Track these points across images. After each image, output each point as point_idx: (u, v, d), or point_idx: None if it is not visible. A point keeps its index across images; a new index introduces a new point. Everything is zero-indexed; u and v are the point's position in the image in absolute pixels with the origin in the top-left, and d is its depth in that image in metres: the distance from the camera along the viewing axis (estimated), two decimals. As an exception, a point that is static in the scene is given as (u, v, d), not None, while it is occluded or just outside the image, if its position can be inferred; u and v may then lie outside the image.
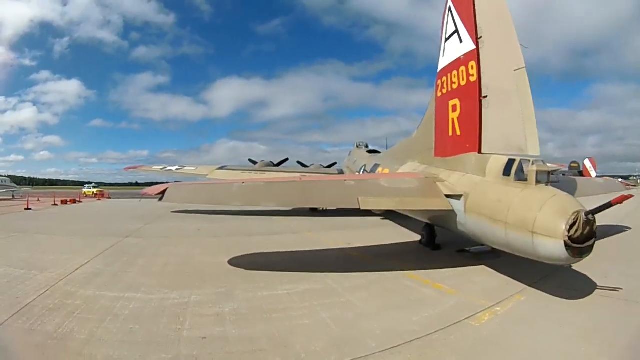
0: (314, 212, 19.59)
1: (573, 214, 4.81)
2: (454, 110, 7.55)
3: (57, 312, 5.46)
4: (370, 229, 13.74)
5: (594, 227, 4.82)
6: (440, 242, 9.23)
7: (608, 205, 4.68)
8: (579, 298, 5.41)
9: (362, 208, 6.95)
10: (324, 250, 9.99)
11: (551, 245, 4.81)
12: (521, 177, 5.68)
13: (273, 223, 16.44)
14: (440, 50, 8.21)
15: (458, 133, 7.41)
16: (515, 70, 5.95)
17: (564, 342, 4.36)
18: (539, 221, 4.97)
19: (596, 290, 5.52)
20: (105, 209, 24.53)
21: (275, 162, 21.76)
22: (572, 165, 36.99)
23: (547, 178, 5.50)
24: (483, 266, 7.32)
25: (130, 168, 22.89)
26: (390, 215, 15.95)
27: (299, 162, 23.59)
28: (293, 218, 18.37)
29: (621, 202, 4.54)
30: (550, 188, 5.26)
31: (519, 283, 6.13)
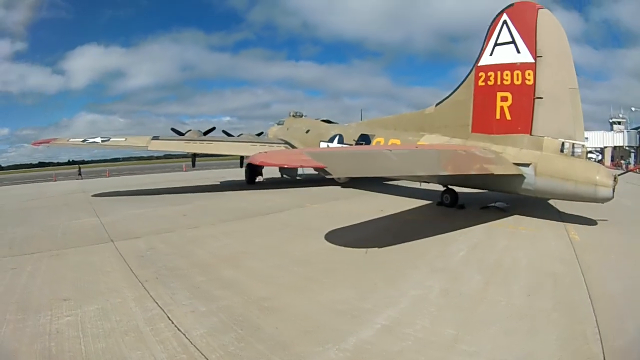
0: (250, 184, 18.21)
1: (613, 175, 8.32)
2: (504, 100, 9.79)
3: None
4: (366, 197, 13.96)
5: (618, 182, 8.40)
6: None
7: (628, 171, 8.75)
8: (594, 224, 8.77)
9: (495, 173, 8.56)
10: (383, 217, 10.00)
11: (606, 191, 8.08)
12: (573, 154, 8.77)
13: (246, 199, 14.44)
14: (485, 49, 10.05)
15: (508, 118, 9.59)
16: (570, 88, 8.71)
17: (623, 237, 7.66)
18: (599, 179, 8.17)
19: (598, 221, 9.02)
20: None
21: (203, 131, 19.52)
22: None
23: (586, 155, 9.20)
24: (515, 215, 9.87)
25: (41, 142, 16.78)
26: (351, 183, 16.53)
27: (224, 132, 20.84)
28: (250, 192, 16.40)
29: (634, 171, 8.68)
30: (593, 162, 8.94)
31: (556, 222, 9.04)
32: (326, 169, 6.24)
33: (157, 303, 4.87)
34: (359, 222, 9.39)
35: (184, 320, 4.36)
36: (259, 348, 3.75)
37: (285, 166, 6.53)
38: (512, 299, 4.78)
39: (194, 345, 3.79)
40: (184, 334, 4.02)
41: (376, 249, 7.15)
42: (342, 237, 7.95)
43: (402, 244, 7.45)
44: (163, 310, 4.64)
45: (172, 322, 4.30)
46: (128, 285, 5.55)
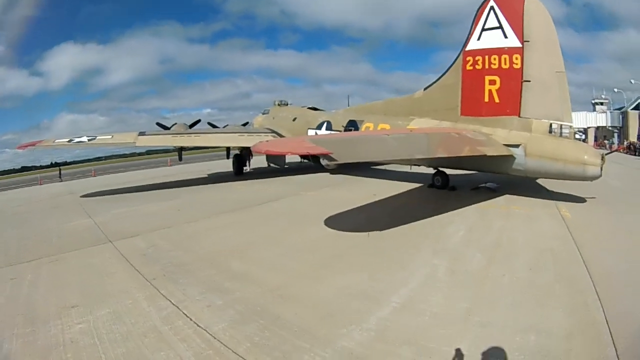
0: (238, 175, 18.06)
1: (601, 154, 8.68)
2: (492, 83, 10.02)
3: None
4: (357, 183, 14.07)
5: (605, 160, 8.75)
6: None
7: (614, 151, 9.21)
8: (583, 202, 9.17)
9: (487, 154, 8.76)
10: (378, 201, 10.16)
11: (595, 170, 8.44)
12: (561, 134, 9.15)
13: (238, 190, 14.46)
14: (472, 34, 10.14)
15: (497, 101, 9.82)
16: (557, 72, 8.98)
17: (612, 214, 8.03)
18: (587, 158, 8.52)
19: (587, 198, 9.43)
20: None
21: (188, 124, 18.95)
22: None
23: (574, 135, 9.68)
24: (506, 195, 10.25)
25: (26, 145, 15.74)
26: (340, 170, 16.53)
27: (209, 124, 20.51)
28: (240, 183, 16.37)
29: (619, 151, 9.20)
30: (581, 142, 9.35)
31: (546, 200, 9.42)
32: (332, 155, 6.27)
33: (170, 301, 4.70)
34: (354, 207, 9.50)
35: (202, 316, 4.30)
36: (284, 335, 3.81)
37: (290, 154, 6.60)
38: (515, 274, 5.07)
39: (218, 340, 3.76)
40: (205, 330, 3.97)
41: (377, 232, 7.31)
42: (341, 223, 8.06)
43: (401, 227, 7.65)
44: (178, 308, 4.52)
45: (190, 319, 4.19)
46: (136, 285, 5.34)
